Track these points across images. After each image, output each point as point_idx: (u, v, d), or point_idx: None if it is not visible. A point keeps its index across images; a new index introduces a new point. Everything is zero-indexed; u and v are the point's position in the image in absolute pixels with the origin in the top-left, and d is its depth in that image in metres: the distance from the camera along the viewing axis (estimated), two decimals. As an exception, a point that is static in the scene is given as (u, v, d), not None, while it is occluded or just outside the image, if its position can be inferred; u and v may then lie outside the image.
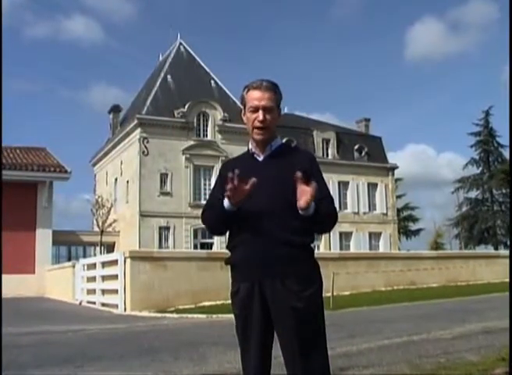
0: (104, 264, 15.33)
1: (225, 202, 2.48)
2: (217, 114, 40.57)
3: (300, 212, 2.40)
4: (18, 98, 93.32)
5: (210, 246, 37.04)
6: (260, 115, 2.58)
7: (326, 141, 46.12)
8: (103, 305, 14.78)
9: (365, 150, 46.93)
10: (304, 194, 2.35)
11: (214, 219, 2.62)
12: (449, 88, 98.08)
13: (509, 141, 49.84)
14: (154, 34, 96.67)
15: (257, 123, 2.60)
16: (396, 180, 51.02)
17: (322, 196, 2.53)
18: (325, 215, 2.51)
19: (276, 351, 2.55)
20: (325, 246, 41.72)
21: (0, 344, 5.50)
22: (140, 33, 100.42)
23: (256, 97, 2.60)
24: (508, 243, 49.72)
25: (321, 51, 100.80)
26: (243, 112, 2.70)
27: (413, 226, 60.09)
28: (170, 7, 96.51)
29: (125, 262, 13.16)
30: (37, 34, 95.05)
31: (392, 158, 51.69)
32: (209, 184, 39.25)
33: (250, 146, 2.70)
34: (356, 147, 46.81)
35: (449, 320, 8.97)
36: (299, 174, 2.35)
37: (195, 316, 11.26)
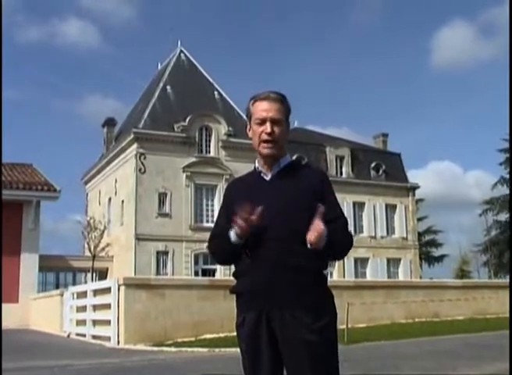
0: (95, 292, 15.29)
1: (232, 235, 2.52)
2: (221, 128, 40.77)
3: (308, 245, 2.44)
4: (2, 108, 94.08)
5: (212, 273, 36.96)
6: (268, 127, 2.61)
7: (340, 158, 46.20)
8: (94, 337, 14.71)
9: (383, 168, 46.95)
10: (316, 230, 2.40)
11: (222, 253, 2.68)
12: (477, 99, 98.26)
13: (509, 145, 49.70)
14: (153, 41, 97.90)
15: (264, 136, 2.62)
16: (417, 200, 50.94)
17: (335, 216, 2.56)
18: (339, 243, 2.55)
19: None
20: (338, 273, 41.54)
21: (0, 346, 5.48)
22: (138, 40, 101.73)
23: (263, 108, 2.63)
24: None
25: (337, 59, 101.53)
26: (248, 126, 2.73)
27: (436, 252, 59.93)
28: (170, 12, 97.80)
29: (119, 290, 13.13)
30: (28, 39, 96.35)
31: (412, 176, 51.71)
32: (212, 205, 39.30)
33: (256, 164, 2.72)
34: (372, 165, 46.85)
35: (477, 357, 8.88)
36: (321, 209, 2.42)
37: (196, 349, 11.19)
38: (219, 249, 2.67)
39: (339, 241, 2.54)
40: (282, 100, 2.68)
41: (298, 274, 2.47)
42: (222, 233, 2.60)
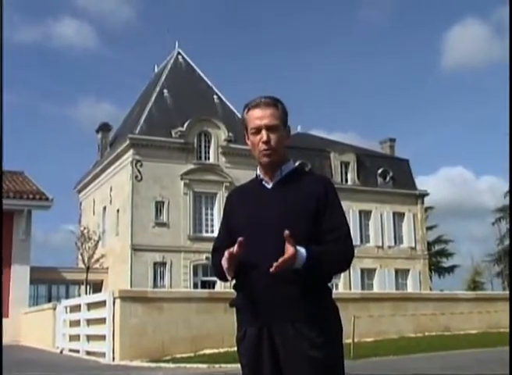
0: (89, 306, 15.28)
1: (223, 263, 2.51)
2: (220, 134, 40.81)
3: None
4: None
5: (212, 285, 36.88)
6: (263, 135, 2.60)
7: (345, 165, 46.22)
8: (88, 353, 14.70)
9: (390, 174, 46.96)
10: (281, 262, 2.34)
11: (219, 271, 2.62)
12: (489, 101, 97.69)
13: (508, 147, 49.70)
14: (150, 42, 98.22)
15: (262, 146, 2.61)
16: (427, 208, 50.87)
17: (335, 227, 2.56)
18: (327, 265, 2.51)
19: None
20: (344, 285, 41.46)
21: (0, 347, 5.47)
22: (135, 41, 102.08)
23: (256, 116, 2.62)
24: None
25: (342, 60, 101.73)
26: (246, 135, 2.71)
27: (446, 263, 59.76)
28: (168, 13, 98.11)
29: (114, 303, 13.12)
30: (21, 40, 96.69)
31: (421, 183, 51.77)
32: (211, 214, 39.31)
33: (258, 171, 2.72)
34: (379, 171, 46.85)
35: (491, 374, 8.84)
36: (287, 233, 2.33)
37: (195, 365, 11.17)
38: (218, 269, 2.62)
39: (328, 263, 2.50)
40: (275, 104, 2.65)
41: (300, 286, 2.46)
42: (219, 250, 2.59)
